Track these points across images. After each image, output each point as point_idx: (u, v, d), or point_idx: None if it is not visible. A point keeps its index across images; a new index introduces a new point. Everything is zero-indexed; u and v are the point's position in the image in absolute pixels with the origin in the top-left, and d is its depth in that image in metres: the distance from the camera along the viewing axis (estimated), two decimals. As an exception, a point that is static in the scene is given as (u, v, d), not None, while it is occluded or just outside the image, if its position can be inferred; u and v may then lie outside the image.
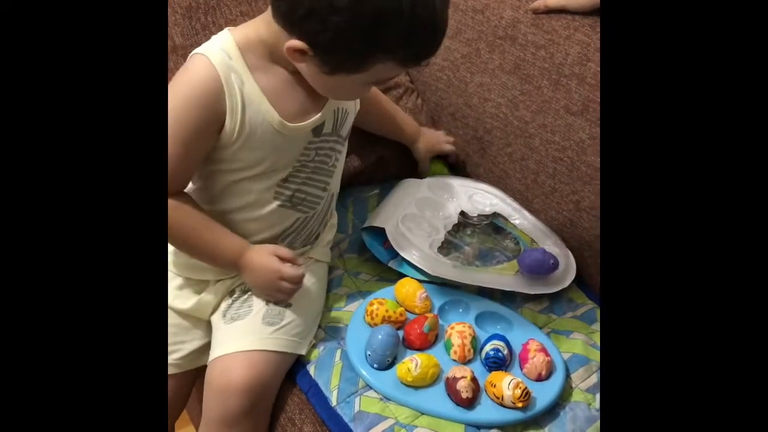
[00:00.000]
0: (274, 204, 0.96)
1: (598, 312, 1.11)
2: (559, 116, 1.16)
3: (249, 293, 0.99)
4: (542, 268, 1.09)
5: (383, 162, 1.32)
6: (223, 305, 0.99)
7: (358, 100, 1.02)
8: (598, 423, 0.94)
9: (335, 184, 1.04)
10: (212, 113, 0.86)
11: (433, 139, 1.29)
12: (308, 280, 1.01)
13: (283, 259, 0.94)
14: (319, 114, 0.93)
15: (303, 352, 0.98)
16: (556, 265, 1.10)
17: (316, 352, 0.99)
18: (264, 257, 0.94)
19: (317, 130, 0.94)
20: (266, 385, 0.94)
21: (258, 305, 0.97)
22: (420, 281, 1.06)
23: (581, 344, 1.03)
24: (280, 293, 0.95)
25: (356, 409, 0.92)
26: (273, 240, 1.00)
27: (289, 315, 0.97)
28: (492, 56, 1.25)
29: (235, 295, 0.99)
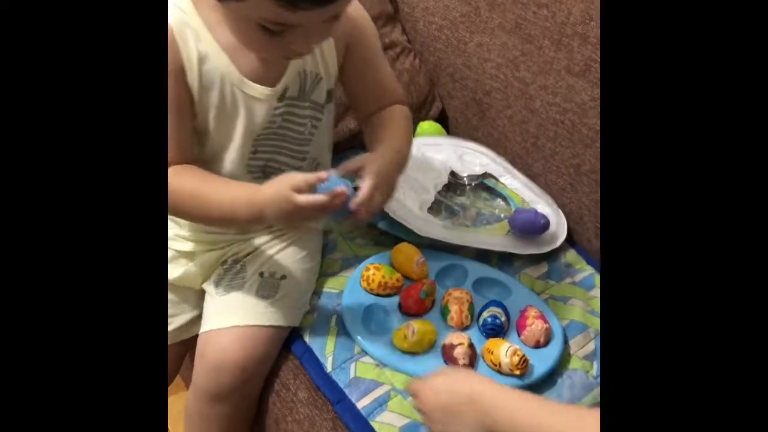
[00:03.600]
0: (248, 178, 0.89)
1: (596, 278, 1.10)
2: (561, 77, 1.13)
3: (241, 263, 0.96)
4: (534, 227, 1.08)
5: (380, 124, 1.29)
6: (215, 275, 0.96)
7: (334, 62, 0.90)
8: (595, 390, 0.93)
9: (318, 152, 0.95)
10: (172, 65, 0.79)
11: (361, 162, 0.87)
12: (302, 249, 0.99)
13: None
14: (282, 77, 0.86)
15: (298, 324, 0.96)
16: (547, 225, 1.09)
17: (310, 318, 0.97)
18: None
19: (281, 94, 0.87)
20: (261, 360, 0.92)
21: (251, 276, 0.95)
22: (411, 243, 1.04)
23: (579, 311, 1.02)
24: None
25: (352, 375, 0.91)
26: None
27: (284, 286, 0.95)
28: (492, 15, 1.22)
29: (227, 265, 0.96)
